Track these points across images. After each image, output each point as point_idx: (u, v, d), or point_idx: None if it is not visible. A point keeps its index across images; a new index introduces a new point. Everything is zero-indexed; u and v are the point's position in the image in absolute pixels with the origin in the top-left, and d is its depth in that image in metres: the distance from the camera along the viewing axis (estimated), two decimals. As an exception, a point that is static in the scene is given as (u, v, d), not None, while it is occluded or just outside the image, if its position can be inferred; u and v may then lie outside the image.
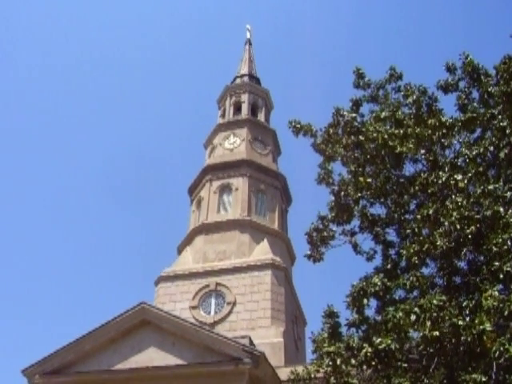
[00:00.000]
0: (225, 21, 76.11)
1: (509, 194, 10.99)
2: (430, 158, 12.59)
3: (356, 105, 14.14)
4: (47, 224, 66.69)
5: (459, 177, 11.42)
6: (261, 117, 34.34)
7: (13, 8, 64.76)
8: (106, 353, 19.82)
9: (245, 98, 34.57)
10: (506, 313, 9.29)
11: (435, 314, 9.64)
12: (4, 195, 65.54)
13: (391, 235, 13.11)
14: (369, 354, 10.31)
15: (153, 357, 19.21)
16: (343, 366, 10.62)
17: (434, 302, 9.83)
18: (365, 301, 11.19)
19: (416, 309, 9.94)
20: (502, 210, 10.59)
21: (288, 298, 25.56)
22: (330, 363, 10.69)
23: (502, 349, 8.95)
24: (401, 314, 10.04)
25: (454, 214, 10.74)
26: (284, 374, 16.89)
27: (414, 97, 13.30)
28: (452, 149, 12.75)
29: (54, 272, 63.95)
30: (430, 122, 12.60)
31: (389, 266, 12.32)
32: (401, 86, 14.01)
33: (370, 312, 11.59)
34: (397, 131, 12.63)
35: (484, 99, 12.83)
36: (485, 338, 9.19)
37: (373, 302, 11.56)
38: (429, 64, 50.28)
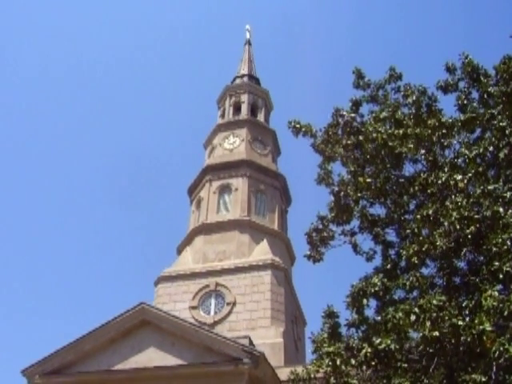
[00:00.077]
0: (224, 21, 76.24)
1: (509, 194, 10.98)
2: (430, 158, 12.59)
3: (356, 105, 14.14)
4: (48, 224, 66.75)
5: (459, 177, 11.41)
6: (260, 117, 34.33)
7: (13, 8, 64.81)
8: (105, 353, 19.82)
9: (244, 98, 34.56)
10: (506, 313, 9.28)
11: (435, 314, 9.64)
12: (5, 196, 65.60)
13: (391, 235, 13.13)
14: (369, 354, 10.32)
15: (153, 357, 19.22)
16: (343, 367, 10.61)
17: (434, 302, 9.82)
18: (364, 301, 11.19)
19: (416, 309, 9.93)
20: (501, 210, 10.58)
21: (288, 298, 25.56)
22: (330, 363, 10.67)
23: (501, 349, 8.95)
24: (401, 314, 10.03)
25: (454, 214, 10.74)
26: (284, 374, 16.89)
27: (414, 97, 13.31)
28: (452, 149, 12.75)
29: (55, 272, 64.08)
30: (429, 122, 12.60)
31: (389, 267, 12.31)
32: (400, 86, 14.01)
33: (369, 312, 11.62)
34: (396, 131, 12.62)
35: (484, 99, 12.82)
36: (485, 338, 9.18)
37: (372, 302, 11.58)
38: (429, 64, 50.38)
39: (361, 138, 13.04)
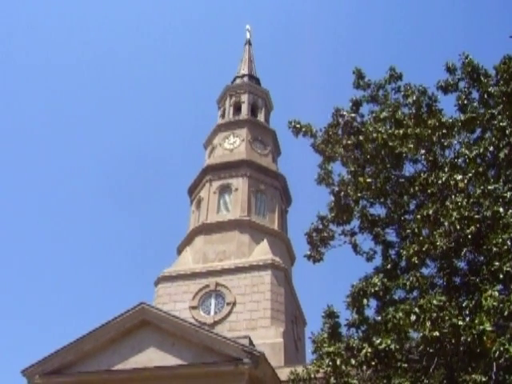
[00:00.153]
0: (225, 21, 76.26)
1: (509, 194, 10.97)
2: (430, 158, 12.59)
3: (356, 105, 14.14)
4: (47, 224, 66.75)
5: (459, 177, 11.41)
6: (261, 117, 34.34)
7: (13, 8, 64.82)
8: (106, 353, 19.82)
9: (245, 98, 34.57)
10: (506, 313, 9.28)
11: (435, 315, 9.63)
12: (4, 195, 65.59)
13: (391, 235, 13.13)
14: (369, 354, 10.32)
15: (153, 357, 19.22)
16: (343, 367, 10.61)
17: (434, 302, 9.82)
18: (365, 301, 11.19)
19: (416, 309, 9.93)
20: (501, 210, 10.58)
21: (288, 298, 25.57)
22: (330, 363, 10.67)
23: (501, 349, 8.95)
24: (401, 314, 10.03)
25: (454, 214, 10.73)
26: (284, 374, 16.88)
27: (414, 97, 13.29)
28: (452, 149, 12.75)
29: (55, 272, 64.06)
30: (429, 122, 12.60)
31: (389, 267, 12.31)
32: (401, 86, 14.00)
33: (369, 312, 11.62)
34: (397, 131, 12.62)
35: (484, 99, 12.81)
36: (485, 338, 9.18)
37: (373, 303, 11.58)
38: (429, 64, 50.40)
39: (361, 138, 13.04)
